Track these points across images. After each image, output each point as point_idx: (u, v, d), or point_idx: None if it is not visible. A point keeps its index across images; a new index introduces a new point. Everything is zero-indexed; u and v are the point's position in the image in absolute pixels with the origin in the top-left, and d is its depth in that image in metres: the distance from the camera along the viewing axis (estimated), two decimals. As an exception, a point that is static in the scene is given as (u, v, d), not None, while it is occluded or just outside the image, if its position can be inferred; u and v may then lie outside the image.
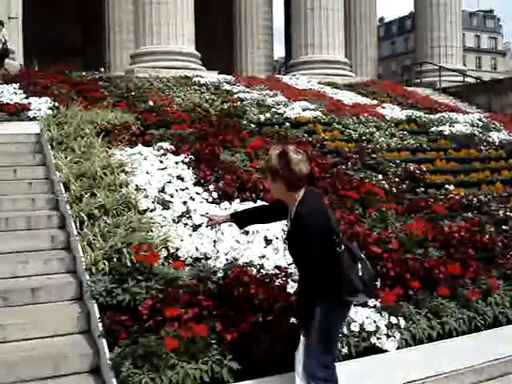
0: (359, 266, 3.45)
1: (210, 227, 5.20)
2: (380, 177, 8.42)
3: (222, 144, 8.16)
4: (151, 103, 10.74)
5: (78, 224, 5.45)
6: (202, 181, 6.68)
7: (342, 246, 3.44)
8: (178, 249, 5.07)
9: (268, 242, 5.33)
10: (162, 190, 6.13)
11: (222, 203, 6.05)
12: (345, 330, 4.30)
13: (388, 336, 4.45)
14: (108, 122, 8.14)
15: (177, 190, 6.17)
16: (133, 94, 11.71)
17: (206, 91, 13.35)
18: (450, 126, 12.35)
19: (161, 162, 6.94)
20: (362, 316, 4.45)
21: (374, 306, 4.63)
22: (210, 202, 6.13)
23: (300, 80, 17.05)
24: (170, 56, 15.78)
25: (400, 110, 13.89)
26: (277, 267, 4.76)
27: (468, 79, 22.48)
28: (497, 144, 11.90)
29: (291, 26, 20.99)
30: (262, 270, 4.72)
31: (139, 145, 7.38)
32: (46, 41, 25.95)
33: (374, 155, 9.44)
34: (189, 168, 6.90)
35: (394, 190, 7.85)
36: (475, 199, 7.93)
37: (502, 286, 5.39)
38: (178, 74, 14.78)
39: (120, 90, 12.07)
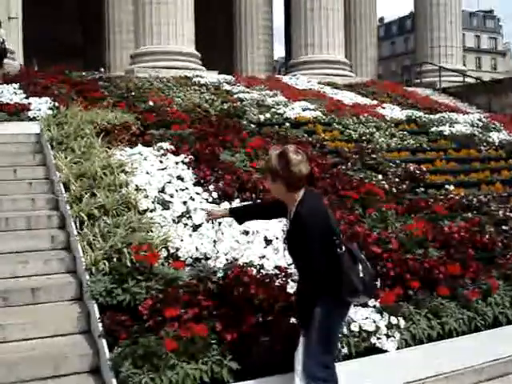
0: (360, 267, 3.45)
1: (208, 221, 5.23)
2: (380, 177, 8.43)
3: (222, 144, 8.16)
4: (151, 103, 10.74)
5: (77, 224, 5.45)
6: (202, 181, 6.68)
7: (343, 247, 3.44)
8: (177, 249, 5.07)
9: (268, 242, 5.33)
10: (162, 190, 6.13)
11: (222, 203, 6.05)
12: (345, 330, 4.30)
13: (388, 336, 4.45)
14: (108, 122, 8.13)
15: (177, 190, 6.17)
16: (133, 94, 11.72)
17: (205, 91, 13.35)
18: (449, 127, 12.36)
19: (161, 162, 6.94)
20: (362, 316, 4.45)
21: (374, 306, 4.63)
22: (209, 202, 6.13)
23: (300, 80, 17.06)
24: (169, 56, 15.78)
25: (400, 110, 13.90)
26: (277, 267, 4.76)
27: (468, 79, 22.50)
28: (497, 144, 11.91)
29: (291, 26, 21.00)
30: (262, 270, 4.71)
31: (139, 145, 7.38)
32: (46, 41, 25.95)
33: (374, 155, 9.44)
34: (189, 168, 6.90)
35: (394, 190, 7.85)
36: (475, 199, 7.93)
37: (501, 286, 5.39)
38: (178, 74, 14.79)
39: (120, 90, 12.07)
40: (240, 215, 4.29)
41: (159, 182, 6.25)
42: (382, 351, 4.38)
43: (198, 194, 6.20)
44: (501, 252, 6.13)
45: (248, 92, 13.43)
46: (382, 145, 10.53)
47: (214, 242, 5.22)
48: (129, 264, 4.61)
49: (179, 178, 6.55)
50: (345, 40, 20.60)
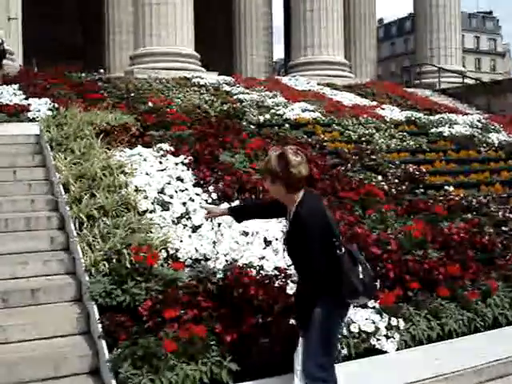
0: (360, 268, 3.45)
1: (208, 220, 5.22)
2: (379, 178, 8.43)
3: (222, 145, 8.16)
4: (151, 104, 10.74)
5: (77, 225, 5.45)
6: (202, 182, 6.68)
7: (343, 249, 3.44)
8: (177, 250, 5.07)
9: (267, 243, 5.33)
10: (162, 191, 6.13)
11: (222, 204, 6.05)
12: (344, 331, 4.30)
13: (387, 337, 4.45)
14: (107, 123, 8.13)
15: (176, 191, 6.17)
16: (132, 95, 11.71)
17: (205, 92, 13.35)
18: (449, 128, 12.36)
19: (160, 163, 6.94)
20: (362, 317, 4.45)
21: (374, 307, 4.63)
22: (209, 203, 6.13)
23: (299, 81, 17.05)
24: (169, 57, 15.76)
25: (399, 111, 13.89)
26: (276, 268, 4.76)
27: (467, 80, 22.51)
28: (496, 145, 11.90)
29: (291, 27, 20.99)
30: (261, 271, 4.72)
31: (139, 146, 7.38)
32: (46, 41, 25.92)
33: (374, 156, 9.44)
34: (188, 169, 6.90)
35: (394, 191, 7.85)
36: (475, 200, 7.93)
37: (501, 287, 5.39)
38: (178, 75, 14.77)
39: (119, 91, 12.07)
40: (239, 214, 4.29)
41: (159, 182, 6.25)
42: (381, 352, 4.38)
43: (197, 194, 6.20)
44: (500, 253, 6.13)
45: (248, 93, 13.42)
46: (381, 146, 10.53)
47: (214, 242, 5.22)
48: (128, 265, 4.61)
49: (179, 178, 6.55)
50: (344, 41, 20.60)
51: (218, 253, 5.01)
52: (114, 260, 4.75)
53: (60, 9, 28.48)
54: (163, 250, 5.03)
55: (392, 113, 13.43)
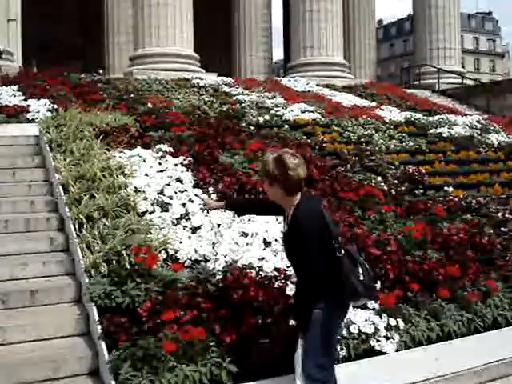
0: (359, 269, 3.45)
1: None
2: (379, 179, 8.43)
3: (221, 146, 8.16)
4: (150, 105, 10.74)
5: (76, 226, 5.44)
6: (201, 183, 6.67)
7: (342, 251, 3.44)
8: (177, 251, 5.07)
9: (267, 244, 5.32)
10: (161, 192, 6.13)
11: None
12: (344, 332, 4.30)
13: (387, 338, 4.45)
14: (107, 124, 8.13)
15: (176, 192, 6.17)
16: (132, 96, 11.71)
17: (204, 93, 13.36)
18: (448, 128, 12.37)
19: (160, 164, 6.94)
20: (362, 318, 4.45)
21: (374, 308, 4.63)
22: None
23: (299, 82, 17.05)
24: (168, 58, 15.76)
25: (399, 112, 13.90)
26: (276, 269, 4.76)
27: (467, 81, 22.53)
28: (495, 146, 11.91)
29: (290, 28, 21.00)
30: (261, 272, 4.72)
31: (138, 147, 7.37)
32: (46, 42, 25.96)
33: (373, 157, 9.44)
34: (188, 170, 6.89)
35: (393, 191, 7.85)
36: (474, 201, 7.93)
37: (501, 288, 5.39)
38: (177, 76, 14.77)
39: (119, 92, 12.06)
40: (236, 209, 4.36)
41: (158, 183, 6.25)
42: (381, 353, 4.38)
43: (197, 195, 6.20)
44: (500, 254, 6.13)
45: (247, 94, 13.43)
46: (380, 147, 10.53)
47: (213, 243, 5.22)
48: (128, 266, 4.62)
49: (178, 179, 6.55)
50: (343, 42, 20.62)
51: (217, 254, 5.01)
52: (114, 261, 4.75)
53: (60, 10, 28.50)
54: (163, 251, 5.03)
55: (391, 114, 13.43)
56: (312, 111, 12.09)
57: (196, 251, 5.07)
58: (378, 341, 4.40)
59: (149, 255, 4.67)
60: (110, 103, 10.36)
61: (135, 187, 6.11)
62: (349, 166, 8.82)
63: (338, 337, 4.09)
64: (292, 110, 11.91)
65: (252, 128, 10.21)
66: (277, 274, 4.67)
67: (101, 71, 16.16)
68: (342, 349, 4.23)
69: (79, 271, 5.02)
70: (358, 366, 4.23)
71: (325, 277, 3.40)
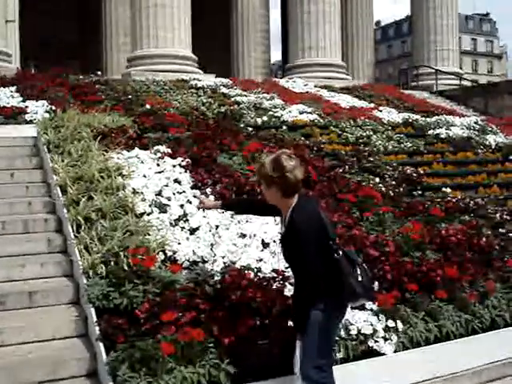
0: (358, 270, 3.45)
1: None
2: (377, 180, 8.44)
3: (219, 147, 8.16)
4: (148, 106, 10.74)
5: (74, 227, 5.44)
6: (199, 184, 6.67)
7: (340, 252, 3.44)
8: (175, 252, 5.06)
9: (265, 245, 5.33)
10: (159, 194, 6.12)
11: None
12: (342, 333, 4.30)
13: (385, 339, 4.45)
14: (105, 126, 8.13)
15: (174, 194, 6.16)
16: (130, 97, 11.70)
17: (203, 94, 13.36)
18: (446, 129, 12.40)
19: (158, 165, 6.93)
20: (360, 319, 4.46)
21: (372, 309, 4.63)
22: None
23: (297, 83, 17.06)
24: (166, 59, 15.76)
25: (397, 113, 13.91)
26: (274, 270, 4.76)
27: (464, 82, 22.56)
28: (493, 147, 11.94)
29: (288, 29, 21.02)
30: (259, 274, 4.71)
31: (136, 148, 7.37)
32: (44, 44, 25.97)
33: (371, 158, 9.45)
34: (186, 171, 6.89)
35: (392, 193, 7.85)
36: (472, 202, 7.94)
37: (499, 289, 5.40)
38: (175, 77, 14.77)
39: (117, 94, 12.06)
40: (232, 209, 4.35)
41: (156, 185, 6.24)
42: (379, 354, 4.38)
43: (195, 197, 6.19)
44: (498, 255, 6.14)
45: (245, 95, 13.44)
46: (379, 148, 10.55)
47: (212, 245, 5.22)
48: (126, 267, 4.61)
49: (176, 181, 6.54)
50: (341, 43, 20.64)
51: (215, 255, 5.01)
52: (112, 262, 4.74)
53: (59, 11, 28.49)
54: (161, 253, 5.02)
55: (389, 115, 13.45)
56: (310, 112, 12.10)
57: (194, 252, 5.06)
58: (376, 342, 4.40)
59: (147, 256, 4.66)
60: (108, 104, 10.37)
61: (133, 188, 6.10)
62: (347, 167, 8.82)
63: (336, 338, 4.09)
64: (290, 111, 11.91)
65: (250, 129, 10.22)
66: (275, 275, 4.67)
67: (99, 72, 16.13)
68: (340, 350, 4.23)
69: (77, 272, 5.01)
70: (356, 367, 4.23)
71: (323, 278, 3.40)
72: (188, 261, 5.02)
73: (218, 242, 5.22)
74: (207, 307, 4.17)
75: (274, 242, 5.32)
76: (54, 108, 9.73)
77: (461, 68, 25.89)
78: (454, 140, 11.96)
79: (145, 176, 6.48)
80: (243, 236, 5.38)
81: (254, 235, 5.39)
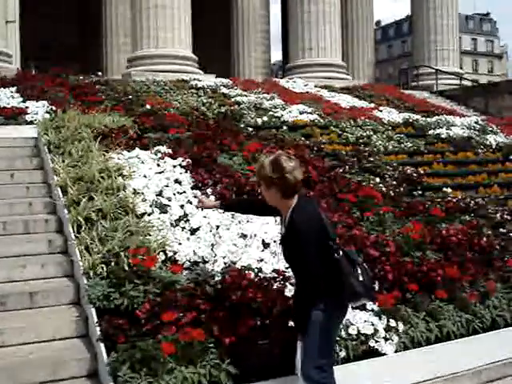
0: (359, 270, 3.45)
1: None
2: (377, 180, 8.44)
3: (220, 147, 8.16)
4: (148, 107, 10.74)
5: (75, 228, 5.44)
6: (200, 184, 6.67)
7: (340, 252, 3.44)
8: (175, 252, 5.06)
9: (266, 245, 5.33)
10: (160, 194, 6.12)
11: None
12: (343, 334, 4.30)
13: (386, 339, 4.45)
14: (105, 126, 8.13)
15: (174, 194, 6.17)
16: (130, 97, 11.70)
17: (203, 95, 13.36)
18: (447, 129, 12.39)
19: (158, 165, 6.93)
20: (361, 319, 4.46)
21: (372, 310, 4.63)
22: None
23: (297, 83, 17.06)
24: (167, 59, 15.76)
25: (397, 113, 13.91)
26: (275, 271, 4.76)
27: (465, 82, 22.55)
28: (494, 147, 11.93)
29: (288, 29, 21.02)
30: (259, 274, 4.71)
31: (136, 148, 7.37)
32: (44, 44, 25.97)
33: (372, 158, 9.45)
34: (186, 171, 6.89)
35: (392, 193, 7.85)
36: (472, 202, 7.94)
37: (499, 289, 5.40)
38: (175, 77, 14.77)
39: (117, 94, 12.06)
40: (231, 210, 4.34)
41: (157, 185, 6.25)
42: (380, 354, 4.38)
43: (195, 197, 6.20)
44: (498, 254, 6.14)
45: (245, 95, 13.44)
46: (379, 148, 10.55)
47: (212, 245, 5.21)
48: (126, 268, 4.61)
49: (177, 181, 6.55)
50: (342, 43, 20.63)
51: (216, 255, 5.01)
52: (112, 263, 4.74)
53: (59, 12, 28.50)
54: (161, 253, 5.02)
55: (390, 115, 13.45)
56: (310, 112, 12.10)
57: (195, 253, 5.06)
58: (377, 342, 4.40)
59: (147, 257, 4.66)
60: (109, 105, 10.38)
61: (134, 189, 6.10)
62: (347, 167, 8.82)
63: (337, 338, 4.09)
64: (290, 112, 11.91)
65: (250, 129, 10.22)
66: (275, 275, 4.67)
67: (99, 73, 16.14)
68: (341, 350, 4.23)
69: (78, 273, 5.01)
70: (357, 367, 4.23)
71: (324, 278, 3.40)
72: (189, 261, 5.02)
73: (219, 242, 5.22)
74: (208, 307, 4.17)
75: (275, 242, 5.31)
76: (54, 108, 9.73)
77: (461, 68, 25.90)
78: (454, 140, 11.96)
79: (145, 176, 6.48)
80: (244, 236, 5.38)
81: (255, 235, 5.39)
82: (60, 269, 5.38)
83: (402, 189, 8.22)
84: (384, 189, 7.90)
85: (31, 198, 6.71)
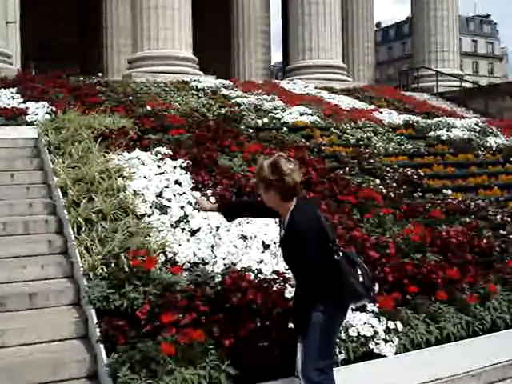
0: (359, 271, 3.45)
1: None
2: (378, 181, 8.44)
3: (220, 149, 8.16)
4: (149, 108, 10.74)
5: (75, 229, 5.43)
6: (200, 185, 6.67)
7: (340, 253, 3.44)
8: (175, 254, 5.06)
9: (266, 246, 5.32)
10: (160, 195, 6.12)
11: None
12: (343, 335, 4.29)
13: (386, 341, 4.44)
14: (106, 127, 8.13)
15: (174, 195, 6.16)
16: (130, 98, 11.71)
17: (203, 96, 13.36)
18: (447, 131, 12.40)
19: (158, 166, 6.93)
20: (361, 321, 4.44)
21: (372, 311, 4.62)
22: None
23: (297, 85, 17.08)
24: (167, 61, 15.77)
25: (397, 114, 13.92)
26: (274, 272, 4.76)
27: (465, 84, 22.56)
28: (494, 149, 11.94)
29: (289, 31, 21.03)
30: (259, 275, 4.71)
31: (137, 149, 7.37)
32: (44, 47, 25.97)
33: (372, 160, 9.45)
34: (186, 173, 6.89)
35: (392, 194, 7.85)
36: (473, 204, 7.94)
37: (499, 291, 5.39)
38: (176, 78, 14.78)
39: (117, 95, 12.06)
40: (229, 214, 4.28)
41: (157, 186, 6.24)
42: (380, 356, 4.37)
43: (194, 198, 6.19)
44: (498, 256, 6.13)
45: (245, 97, 13.44)
46: (379, 149, 10.55)
47: (212, 246, 5.21)
48: (126, 269, 4.60)
49: (177, 182, 6.54)
50: (342, 44, 20.65)
51: (216, 257, 5.01)
52: (112, 264, 4.73)
53: (59, 13, 28.51)
54: (161, 254, 5.02)
55: (390, 116, 13.46)
56: (311, 114, 12.11)
57: (195, 254, 5.06)
58: (377, 344, 4.39)
59: (147, 258, 4.66)
60: (109, 106, 10.38)
61: (134, 190, 6.10)
62: (347, 168, 8.82)
63: (337, 339, 4.09)
64: (291, 113, 11.93)
65: (251, 131, 10.22)
66: (275, 276, 4.66)
67: (99, 74, 16.14)
68: (340, 352, 4.23)
69: (78, 274, 5.01)
70: (356, 369, 4.22)
71: (323, 279, 3.40)
72: (188, 262, 5.01)
73: (219, 243, 5.22)
74: (208, 309, 4.17)
75: (275, 243, 5.30)
76: (54, 109, 9.72)
77: (461, 70, 25.90)
78: (454, 142, 11.96)
79: (145, 177, 6.48)
80: (244, 238, 5.37)
81: (255, 237, 5.39)
82: (60, 270, 5.38)
83: (402, 190, 8.22)
84: (384, 190, 7.90)
85: (31, 199, 6.71)
